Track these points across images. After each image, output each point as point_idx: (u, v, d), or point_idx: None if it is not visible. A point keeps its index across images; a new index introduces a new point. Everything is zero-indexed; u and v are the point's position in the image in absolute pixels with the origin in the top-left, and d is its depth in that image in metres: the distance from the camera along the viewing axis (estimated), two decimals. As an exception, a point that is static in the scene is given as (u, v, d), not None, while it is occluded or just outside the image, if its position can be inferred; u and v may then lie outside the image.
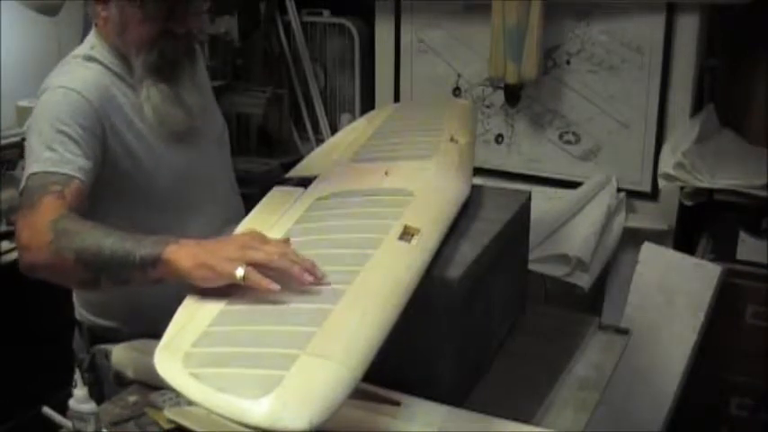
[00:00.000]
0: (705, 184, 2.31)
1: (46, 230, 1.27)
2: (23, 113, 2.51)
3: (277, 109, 3.16)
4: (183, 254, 1.18)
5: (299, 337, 1.00)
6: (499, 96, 2.73)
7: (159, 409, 1.30)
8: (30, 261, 1.31)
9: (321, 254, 1.19)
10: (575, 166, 2.65)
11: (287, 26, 3.15)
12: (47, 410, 1.23)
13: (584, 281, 2.34)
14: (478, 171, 2.32)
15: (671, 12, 2.41)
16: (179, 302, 1.15)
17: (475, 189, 1.54)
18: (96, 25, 1.57)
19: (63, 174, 1.37)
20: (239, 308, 1.11)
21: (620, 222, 2.52)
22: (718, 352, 2.23)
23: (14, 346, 2.18)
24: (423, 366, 1.27)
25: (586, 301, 2.41)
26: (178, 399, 1.29)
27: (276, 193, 1.54)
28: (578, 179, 2.62)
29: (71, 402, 1.20)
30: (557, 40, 2.58)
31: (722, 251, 2.32)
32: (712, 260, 2.26)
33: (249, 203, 1.54)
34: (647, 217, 2.56)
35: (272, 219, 1.40)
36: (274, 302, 1.10)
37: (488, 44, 2.59)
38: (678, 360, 2.16)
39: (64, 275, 1.31)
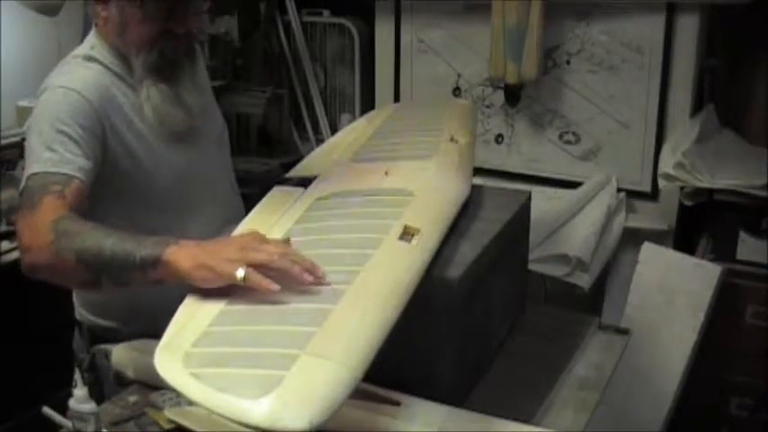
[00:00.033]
0: (705, 184, 2.31)
1: (47, 231, 1.27)
2: (23, 113, 2.51)
3: (277, 109, 3.16)
4: (183, 255, 1.18)
5: (300, 337, 1.00)
6: (499, 96, 2.73)
7: (159, 409, 1.30)
8: (31, 262, 1.31)
9: (321, 254, 1.19)
10: (575, 166, 2.65)
11: (287, 26, 3.15)
12: (47, 410, 1.23)
13: (584, 281, 2.34)
14: (478, 171, 2.32)
15: (671, 12, 2.41)
16: (179, 302, 1.15)
17: (475, 189, 1.54)
18: (96, 25, 1.57)
19: (63, 174, 1.37)
20: (239, 308, 1.11)
21: (620, 222, 2.52)
22: (718, 352, 2.23)
23: (14, 346, 2.18)
24: (423, 366, 1.27)
25: (586, 301, 2.41)
26: (178, 399, 1.29)
27: (276, 193, 1.54)
28: (578, 179, 2.62)
29: (71, 402, 1.20)
30: (557, 40, 2.58)
31: (722, 251, 2.32)
32: (712, 260, 2.26)
33: (249, 203, 1.54)
34: (647, 217, 2.56)
35: (272, 219, 1.40)
36: (274, 302, 1.10)
37: (488, 44, 2.59)
38: (678, 360, 2.16)
39: (65, 276, 1.31)
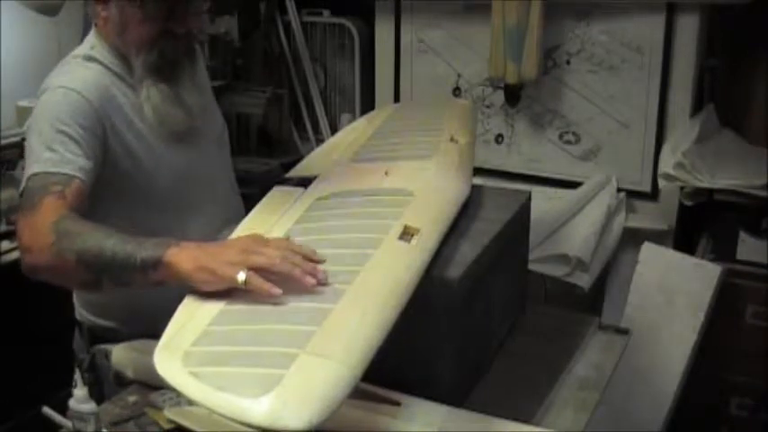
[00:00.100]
0: (705, 184, 2.31)
1: (47, 232, 1.27)
2: (23, 113, 2.51)
3: (277, 109, 3.16)
4: (184, 257, 1.18)
5: (299, 337, 1.00)
6: (499, 96, 2.73)
7: (159, 409, 1.30)
8: (31, 263, 1.31)
9: (321, 254, 1.19)
10: (575, 166, 2.65)
11: (287, 26, 3.15)
12: (47, 410, 1.23)
13: (584, 281, 2.34)
14: (478, 171, 2.32)
15: (671, 12, 2.41)
16: (179, 302, 1.15)
17: (475, 189, 1.54)
18: (96, 25, 1.57)
19: (64, 174, 1.37)
20: (239, 307, 1.11)
21: (620, 222, 2.52)
22: (718, 352, 2.23)
23: (14, 346, 2.18)
24: (423, 366, 1.27)
25: (586, 301, 2.41)
26: (178, 398, 1.29)
27: (276, 193, 1.54)
28: (578, 179, 2.62)
29: (71, 402, 1.20)
30: (557, 40, 2.58)
31: (722, 251, 2.32)
32: (712, 260, 2.26)
33: (249, 203, 1.54)
34: (647, 217, 2.56)
35: (272, 219, 1.40)
36: (274, 302, 1.10)
37: (488, 44, 2.59)
38: (678, 360, 2.16)
39: (65, 277, 1.31)
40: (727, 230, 2.40)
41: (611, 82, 2.54)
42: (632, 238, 2.50)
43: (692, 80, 2.45)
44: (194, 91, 1.59)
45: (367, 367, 0.99)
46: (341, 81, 3.16)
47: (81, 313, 1.67)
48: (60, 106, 1.44)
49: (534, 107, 2.68)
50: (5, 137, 2.56)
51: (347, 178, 1.53)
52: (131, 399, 1.36)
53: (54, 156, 1.38)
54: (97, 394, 1.40)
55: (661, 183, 2.41)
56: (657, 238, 2.45)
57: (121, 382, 1.42)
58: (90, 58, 1.53)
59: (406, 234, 1.25)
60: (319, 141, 3.01)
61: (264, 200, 1.51)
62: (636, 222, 2.55)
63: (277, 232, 1.31)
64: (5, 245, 2.27)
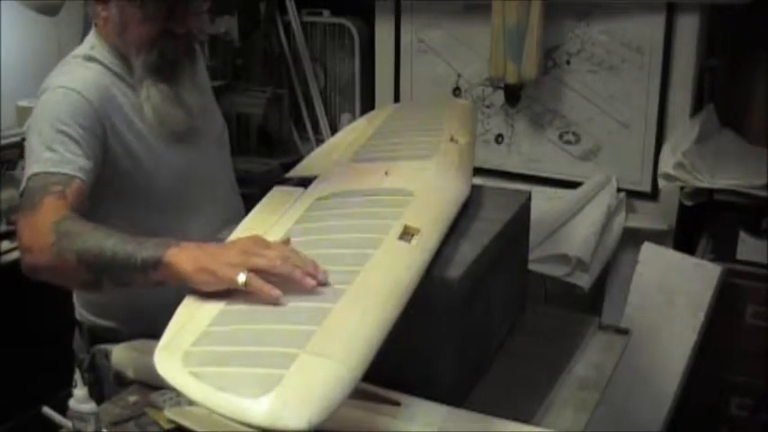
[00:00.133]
0: (705, 184, 2.31)
1: (48, 232, 1.27)
2: (23, 113, 2.51)
3: (277, 109, 3.16)
4: (185, 257, 1.17)
5: (299, 336, 1.00)
6: (499, 96, 2.73)
7: (159, 409, 1.30)
8: (32, 263, 1.31)
9: (321, 254, 1.19)
10: (575, 166, 2.65)
11: (287, 26, 3.15)
12: (47, 410, 1.23)
13: (584, 281, 2.34)
14: (478, 171, 2.32)
15: (671, 12, 2.41)
16: (179, 303, 1.14)
17: (475, 189, 1.54)
18: (96, 25, 1.57)
19: (64, 174, 1.37)
20: (239, 307, 1.11)
21: (620, 222, 2.52)
22: (718, 352, 2.23)
23: (14, 346, 2.18)
24: (423, 366, 1.27)
25: (586, 301, 2.41)
26: (178, 399, 1.29)
27: (276, 193, 1.54)
28: (578, 179, 2.62)
29: (71, 402, 1.20)
30: (557, 40, 2.58)
31: (722, 251, 2.32)
32: (712, 260, 2.26)
33: (249, 203, 1.54)
34: (647, 217, 2.56)
35: (272, 219, 1.39)
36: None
37: (488, 44, 2.59)
38: (678, 360, 2.16)
39: (66, 277, 1.31)
40: (727, 230, 2.40)
41: (611, 82, 2.54)
42: (632, 238, 2.50)
43: (692, 80, 2.45)
44: (194, 91, 1.59)
45: (367, 367, 0.99)
46: (341, 81, 3.16)
47: (81, 313, 1.68)
48: (60, 106, 1.44)
49: (534, 107, 2.68)
50: (5, 137, 2.56)
51: (347, 178, 1.53)
52: (131, 399, 1.36)
53: (54, 156, 1.38)
54: (97, 394, 1.40)
55: (661, 183, 2.41)
56: (657, 238, 2.45)
57: (121, 382, 1.42)
58: (90, 58, 1.54)
59: (406, 234, 1.25)
60: (319, 141, 3.01)
61: (264, 200, 1.51)
62: (636, 222, 2.55)
63: (277, 232, 1.31)
64: (5, 245, 2.27)
